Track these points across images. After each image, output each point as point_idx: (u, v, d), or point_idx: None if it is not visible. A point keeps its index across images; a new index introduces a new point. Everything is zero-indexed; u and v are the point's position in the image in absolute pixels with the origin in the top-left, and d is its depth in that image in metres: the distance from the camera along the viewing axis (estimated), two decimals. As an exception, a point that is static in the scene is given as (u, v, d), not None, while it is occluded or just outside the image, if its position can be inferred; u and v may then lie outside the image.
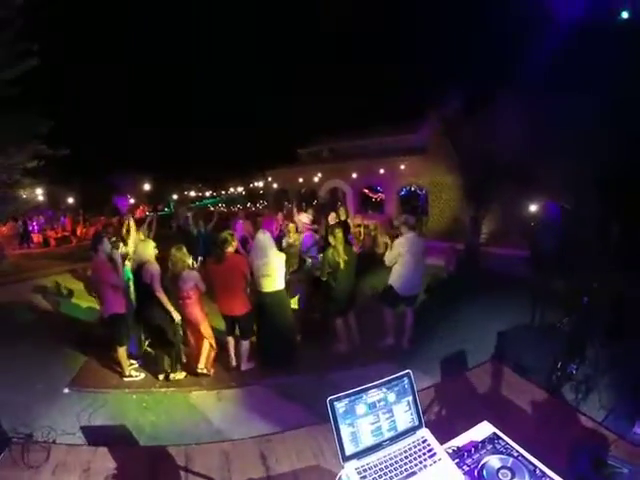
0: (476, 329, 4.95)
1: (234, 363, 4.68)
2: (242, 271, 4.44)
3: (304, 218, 7.19)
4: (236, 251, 4.76)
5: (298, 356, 4.81)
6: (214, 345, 4.54)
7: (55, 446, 2.79)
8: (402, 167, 13.99)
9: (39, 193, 15.32)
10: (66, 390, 4.20)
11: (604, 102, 6.98)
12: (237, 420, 3.72)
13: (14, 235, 15.44)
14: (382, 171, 14.84)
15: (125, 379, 4.45)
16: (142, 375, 4.54)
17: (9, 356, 4.45)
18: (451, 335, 5.08)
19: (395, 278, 4.91)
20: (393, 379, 1.56)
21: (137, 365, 4.70)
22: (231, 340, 4.69)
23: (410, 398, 1.58)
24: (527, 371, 3.40)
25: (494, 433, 1.60)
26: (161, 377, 4.44)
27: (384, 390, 1.52)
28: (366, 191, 17.88)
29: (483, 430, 1.64)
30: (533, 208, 8.92)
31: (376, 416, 1.49)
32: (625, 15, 7.01)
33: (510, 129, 8.32)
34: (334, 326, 5.01)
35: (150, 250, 4.38)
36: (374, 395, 1.49)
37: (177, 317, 4.29)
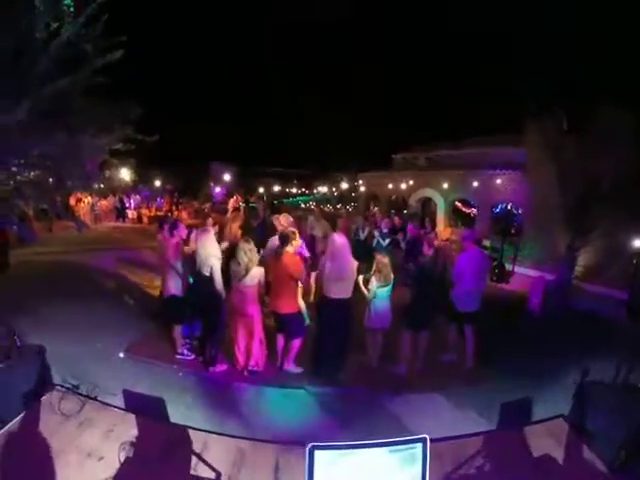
0: (550, 377, 4.29)
1: (279, 362, 4.61)
2: (294, 272, 4.31)
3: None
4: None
5: (353, 368, 4.59)
6: (264, 342, 4.48)
7: (90, 402, 2.97)
8: (498, 182, 12.84)
9: (128, 173, 16.90)
10: (121, 354, 4.49)
11: None
12: (269, 420, 3.64)
13: (112, 209, 17.38)
14: (476, 184, 13.81)
15: (177, 356, 4.62)
16: (193, 356, 4.67)
17: (82, 313, 4.91)
18: (520, 379, 4.45)
19: (454, 292, 4.92)
20: (402, 441, 1.21)
21: (190, 345, 4.82)
22: (280, 338, 4.60)
23: (418, 470, 1.23)
24: (596, 438, 2.86)
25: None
26: (201, 360, 4.54)
27: (385, 452, 1.18)
28: (459, 204, 16.79)
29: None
30: (638, 242, 7.54)
31: (364, 480, 1.15)
32: None
33: (620, 148, 7.19)
34: (401, 341, 4.71)
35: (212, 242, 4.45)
36: (370, 455, 1.17)
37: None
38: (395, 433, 3.57)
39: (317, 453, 1.15)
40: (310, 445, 1.16)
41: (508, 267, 10.63)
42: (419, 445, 1.24)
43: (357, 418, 3.70)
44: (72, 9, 3.39)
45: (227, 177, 30.44)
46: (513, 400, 3.88)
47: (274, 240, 5.06)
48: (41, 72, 3.30)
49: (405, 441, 1.24)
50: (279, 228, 5.49)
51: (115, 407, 3.08)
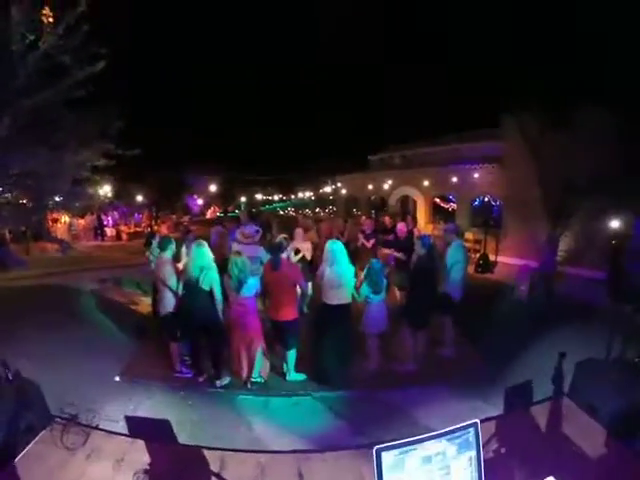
0: (545, 359, 4.34)
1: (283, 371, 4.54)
2: (293, 280, 4.31)
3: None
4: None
5: (355, 371, 4.54)
6: (267, 352, 4.39)
7: (94, 431, 2.82)
8: (476, 176, 13.14)
9: (109, 190, 16.60)
10: (117, 378, 4.30)
11: None
12: (279, 430, 3.55)
13: (91, 228, 16.98)
14: (455, 180, 14.09)
15: (175, 375, 4.46)
16: (191, 373, 4.50)
17: (71, 338, 4.69)
18: (517, 363, 4.63)
19: (450, 284, 4.98)
20: (456, 429, 1.26)
21: (189, 363, 4.66)
22: (281, 347, 4.53)
23: (473, 453, 1.29)
24: (597, 411, 2.96)
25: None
26: (201, 379, 4.40)
27: (444, 442, 1.23)
28: (437, 200, 17.11)
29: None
30: (615, 224, 7.90)
31: (429, 473, 1.21)
32: None
33: (596, 143, 7.53)
34: (403, 340, 4.72)
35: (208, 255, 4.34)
36: (431, 447, 1.21)
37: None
38: (407, 430, 3.60)
39: (383, 455, 1.15)
40: (376, 448, 1.16)
41: (491, 258, 10.86)
42: (472, 430, 1.30)
43: (367, 419, 3.69)
44: (50, 19, 3.24)
45: (207, 187, 29.92)
46: (515, 384, 3.97)
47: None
48: (19, 85, 3.13)
49: (459, 429, 1.28)
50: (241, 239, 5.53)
51: (122, 434, 2.94)
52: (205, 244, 4.36)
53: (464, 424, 1.29)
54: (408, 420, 3.66)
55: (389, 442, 1.16)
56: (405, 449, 1.17)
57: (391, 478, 1.15)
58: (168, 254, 4.45)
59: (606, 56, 8.39)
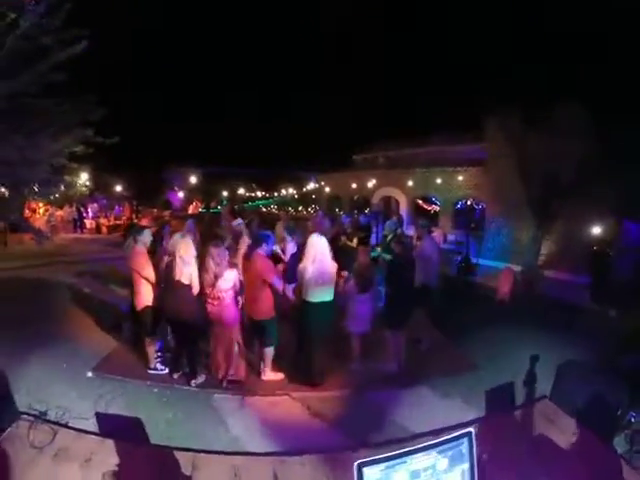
0: (527, 361, 4.36)
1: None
2: (264, 275, 4.14)
3: None
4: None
5: (336, 370, 4.47)
6: (242, 350, 4.28)
7: (62, 430, 2.67)
8: (460, 178, 13.25)
9: (87, 179, 16.23)
10: (89, 374, 4.16)
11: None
12: (257, 431, 3.46)
13: (70, 220, 16.64)
14: (439, 181, 14.14)
15: (150, 371, 4.33)
16: (167, 370, 4.39)
17: (44, 331, 4.55)
18: (499, 364, 4.60)
19: (429, 275, 5.16)
20: (448, 440, 1.16)
21: (163, 359, 4.53)
22: (258, 345, 4.43)
23: (466, 466, 1.18)
24: (579, 413, 2.93)
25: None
26: (175, 375, 4.28)
27: (434, 454, 1.13)
28: (420, 202, 17.17)
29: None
30: (596, 230, 8.08)
31: (417, 489, 1.10)
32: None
33: (577, 143, 7.61)
34: (386, 340, 4.66)
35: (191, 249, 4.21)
36: (420, 460, 1.11)
37: None
38: (387, 430, 3.57)
39: (366, 471, 1.06)
40: (357, 463, 1.07)
41: (473, 260, 10.94)
42: (465, 440, 1.20)
43: (347, 420, 3.63)
44: None
45: (187, 181, 29.43)
46: (497, 386, 3.97)
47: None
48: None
49: (451, 439, 1.19)
50: None
51: (91, 433, 2.79)
52: (189, 236, 4.25)
53: (457, 434, 1.19)
54: (389, 420, 3.62)
55: (371, 454, 1.07)
56: (392, 463, 1.07)
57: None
58: (141, 245, 4.32)
59: (590, 56, 8.51)
